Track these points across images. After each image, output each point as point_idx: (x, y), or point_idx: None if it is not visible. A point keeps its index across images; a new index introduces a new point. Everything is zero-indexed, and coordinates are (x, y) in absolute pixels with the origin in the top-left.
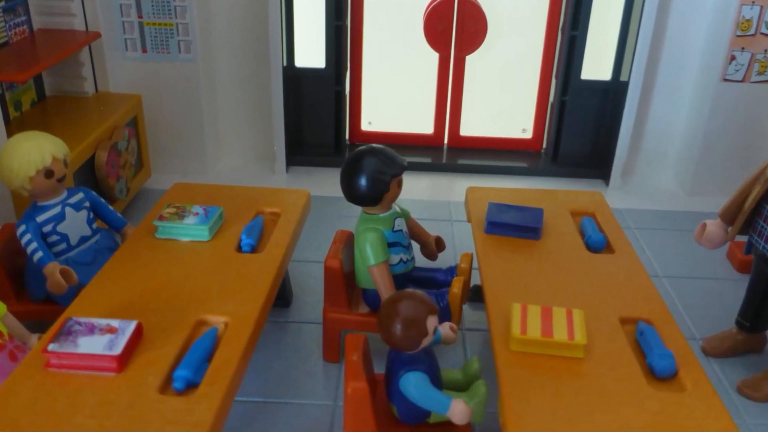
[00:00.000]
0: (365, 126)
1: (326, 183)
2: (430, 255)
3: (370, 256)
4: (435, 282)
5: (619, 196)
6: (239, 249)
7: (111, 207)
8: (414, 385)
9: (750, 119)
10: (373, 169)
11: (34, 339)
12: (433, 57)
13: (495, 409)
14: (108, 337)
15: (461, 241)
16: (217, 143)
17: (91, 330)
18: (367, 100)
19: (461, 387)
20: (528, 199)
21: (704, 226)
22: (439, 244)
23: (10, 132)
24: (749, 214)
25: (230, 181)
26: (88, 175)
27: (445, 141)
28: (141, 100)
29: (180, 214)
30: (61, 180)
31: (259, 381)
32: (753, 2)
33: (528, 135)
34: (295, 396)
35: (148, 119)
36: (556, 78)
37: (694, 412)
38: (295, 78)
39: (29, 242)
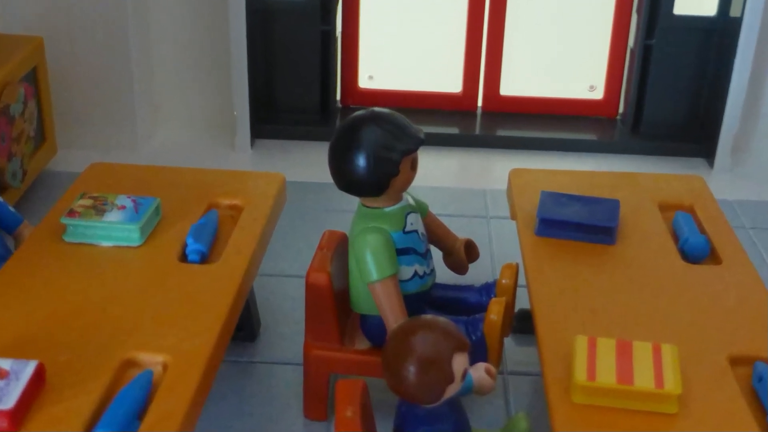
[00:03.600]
0: (364, 82)
1: (309, 163)
2: (458, 266)
3: (371, 268)
4: (464, 305)
5: (728, 183)
6: (184, 258)
7: (0, 198)
8: None
9: None
10: (376, 143)
11: None
12: None
13: None
14: None
15: (502, 247)
16: (152, 107)
17: None
18: (366, 45)
19: None
20: (597, 186)
21: None
22: (471, 251)
23: None
24: None
25: (171, 160)
26: None
27: (479, 103)
28: (43, 45)
29: (99, 209)
30: None
31: None
32: None
33: (598, 95)
34: None
35: (53, 72)
36: (638, 13)
37: None
38: (264, 14)
39: None
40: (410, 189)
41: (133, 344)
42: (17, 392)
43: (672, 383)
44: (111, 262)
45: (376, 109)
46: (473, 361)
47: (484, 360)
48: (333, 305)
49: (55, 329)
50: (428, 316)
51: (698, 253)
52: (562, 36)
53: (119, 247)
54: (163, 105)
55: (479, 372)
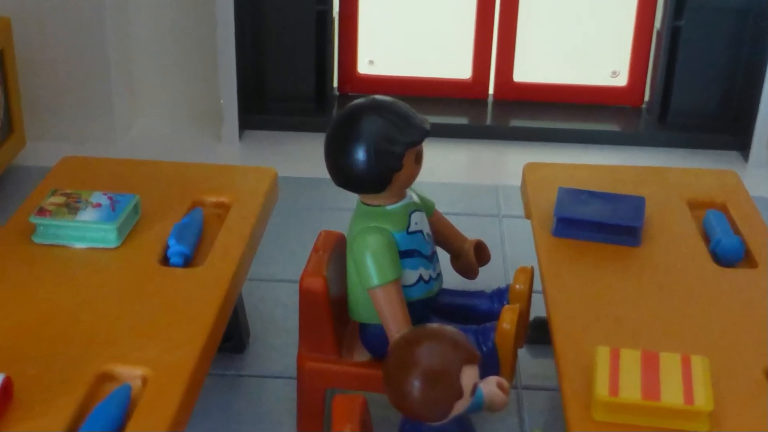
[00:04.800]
0: (364, 68)
1: (303, 157)
2: (467, 270)
3: (372, 272)
4: (474, 313)
5: (764, 178)
6: (165, 261)
7: None
8: None
9: None
10: (378, 135)
11: None
12: None
13: None
14: None
15: (515, 249)
16: (130, 95)
17: None
18: (366, 26)
19: None
20: (621, 181)
21: None
22: (481, 254)
23: None
24: None
25: (151, 153)
26: None
27: (491, 91)
28: (10, 26)
29: (72, 207)
30: None
31: None
32: None
33: (621, 81)
34: None
35: (21, 57)
36: None
37: None
38: None
39: None
40: (414, 185)
41: (110, 356)
42: None
43: (703, 399)
44: (85, 265)
45: (377, 97)
46: (484, 375)
47: (496, 373)
48: (329, 313)
49: (24, 340)
50: (434, 325)
51: (732, 255)
52: (581, 17)
53: (94, 249)
54: (142, 92)
55: (490, 386)
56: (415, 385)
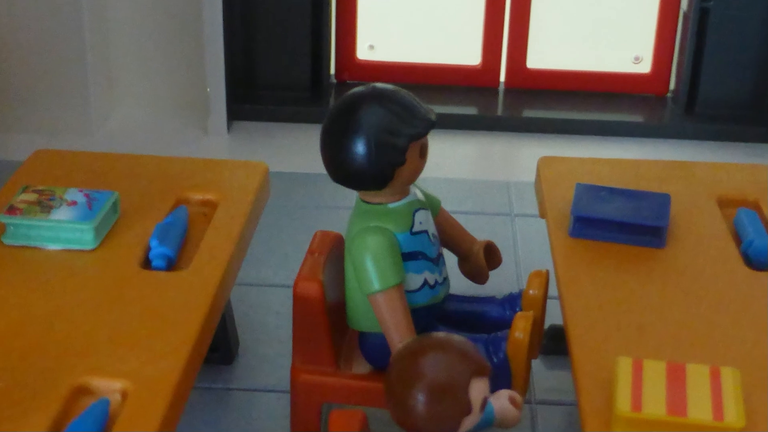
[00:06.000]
0: (364, 53)
1: (297, 150)
2: (476, 274)
3: (372, 276)
4: (484, 320)
5: None
6: (147, 264)
7: None
8: None
9: None
10: (379, 126)
11: None
12: None
13: None
14: None
15: (529, 251)
16: (108, 83)
17: None
18: (366, 8)
19: None
20: (644, 177)
21: None
22: (492, 256)
23: None
24: None
25: (131, 147)
26: None
27: (502, 79)
28: None
29: (45, 205)
30: None
31: None
32: None
33: (644, 68)
34: None
35: None
36: None
37: None
38: None
39: None
40: (419, 181)
41: (86, 368)
42: None
43: (734, 414)
44: (59, 269)
45: (378, 85)
46: (495, 388)
47: (508, 386)
48: (326, 321)
49: None
50: (440, 334)
51: (765, 257)
52: None
53: (69, 250)
54: (121, 80)
55: (502, 401)
56: (420, 399)
